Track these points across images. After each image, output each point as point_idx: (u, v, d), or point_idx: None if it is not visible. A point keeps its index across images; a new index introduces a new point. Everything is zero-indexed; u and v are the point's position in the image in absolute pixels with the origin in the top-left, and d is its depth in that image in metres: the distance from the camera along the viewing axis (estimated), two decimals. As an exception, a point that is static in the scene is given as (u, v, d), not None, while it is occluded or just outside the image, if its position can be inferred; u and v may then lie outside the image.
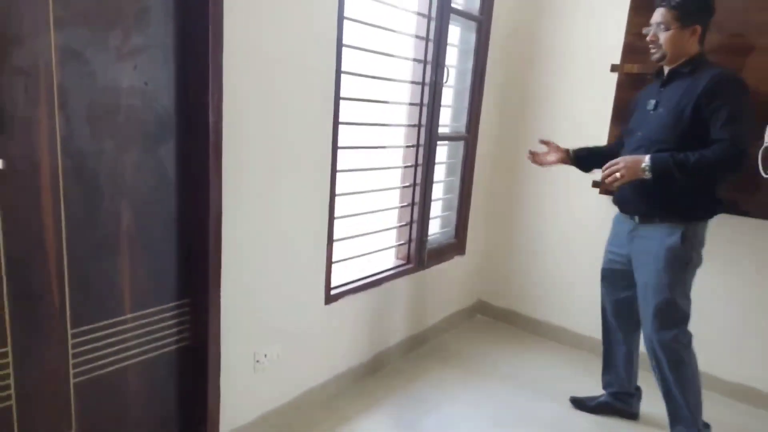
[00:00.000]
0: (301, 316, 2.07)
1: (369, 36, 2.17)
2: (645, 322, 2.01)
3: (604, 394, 2.34)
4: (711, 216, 1.96)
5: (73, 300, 1.43)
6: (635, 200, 1.99)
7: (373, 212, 2.45)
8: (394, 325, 2.66)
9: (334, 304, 2.21)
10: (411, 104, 2.49)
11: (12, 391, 1.35)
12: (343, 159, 2.14)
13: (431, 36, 2.41)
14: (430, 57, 2.43)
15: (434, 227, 3.01)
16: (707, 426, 2.08)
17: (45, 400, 1.43)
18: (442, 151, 2.89)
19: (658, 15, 1.89)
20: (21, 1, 1.22)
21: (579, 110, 2.81)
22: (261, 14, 1.65)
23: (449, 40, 2.66)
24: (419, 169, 2.57)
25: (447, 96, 2.81)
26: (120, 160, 1.47)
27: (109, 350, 1.55)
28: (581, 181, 2.72)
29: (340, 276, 2.30)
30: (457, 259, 3.04)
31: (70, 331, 1.44)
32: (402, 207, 2.61)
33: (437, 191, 2.92)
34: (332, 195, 2.08)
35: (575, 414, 2.34)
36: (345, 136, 2.13)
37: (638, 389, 2.32)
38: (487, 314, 3.34)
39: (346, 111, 2.11)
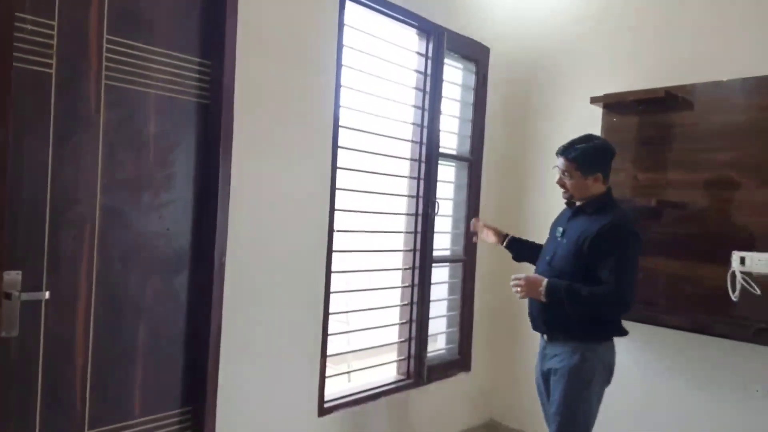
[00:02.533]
0: (293, 427, 2.28)
1: (362, 177, 2.58)
2: None
3: None
4: (611, 338, 2.10)
5: (92, 403, 1.75)
6: (541, 319, 2.14)
7: (373, 328, 2.72)
8: (394, 440, 2.79)
9: (327, 417, 2.41)
10: (407, 232, 2.84)
11: None
12: (339, 281, 2.47)
13: (422, 175, 2.81)
14: (421, 193, 2.81)
15: (440, 343, 3.21)
16: None
17: None
18: (443, 272, 3.17)
19: (560, 163, 2.11)
20: (79, 174, 1.69)
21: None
22: (263, 170, 2.10)
23: (444, 176, 3.07)
24: (415, 289, 2.85)
25: (445, 223, 3.15)
26: (142, 288, 1.86)
27: (119, 450, 1.83)
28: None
29: (337, 387, 2.52)
30: (462, 375, 3.18)
31: None
32: (401, 324, 2.86)
33: (441, 309, 3.16)
34: (325, 314, 2.37)
35: None
36: (340, 260, 2.48)
37: None
38: (499, 435, 3.37)
39: (342, 239, 2.48)
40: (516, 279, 2.09)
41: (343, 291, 2.64)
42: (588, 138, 2.13)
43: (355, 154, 2.50)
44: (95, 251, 1.74)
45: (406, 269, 2.86)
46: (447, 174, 3.14)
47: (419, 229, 2.83)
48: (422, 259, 2.85)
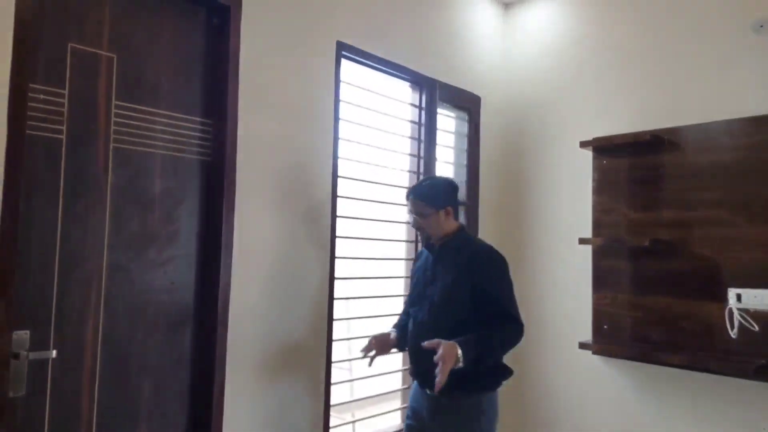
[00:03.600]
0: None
1: (362, 225, 2.64)
2: None
3: None
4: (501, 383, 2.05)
5: (97, 462, 1.75)
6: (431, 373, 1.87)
7: (376, 375, 2.72)
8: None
9: (332, 469, 2.39)
10: (407, 277, 2.87)
11: None
12: (341, 329, 2.49)
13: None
14: (420, 239, 2.86)
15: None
16: None
17: None
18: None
19: (411, 205, 2.09)
20: (86, 233, 1.75)
21: (565, 277, 3.08)
22: (263, 221, 2.15)
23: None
24: (417, 335, 2.86)
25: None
26: (147, 344, 1.89)
27: None
28: (573, 344, 2.90)
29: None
30: (467, 420, 3.15)
31: (91, 492, 1.75)
32: (404, 370, 2.86)
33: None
34: (328, 363, 2.38)
35: None
36: (343, 307, 2.51)
37: None
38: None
39: (344, 286, 2.52)
40: (440, 360, 1.78)
41: (345, 338, 2.66)
42: (432, 177, 2.34)
43: (355, 202, 2.57)
44: (101, 308, 1.77)
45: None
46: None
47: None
48: (423, 304, 2.87)
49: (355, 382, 3.07)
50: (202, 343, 2.01)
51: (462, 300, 1.95)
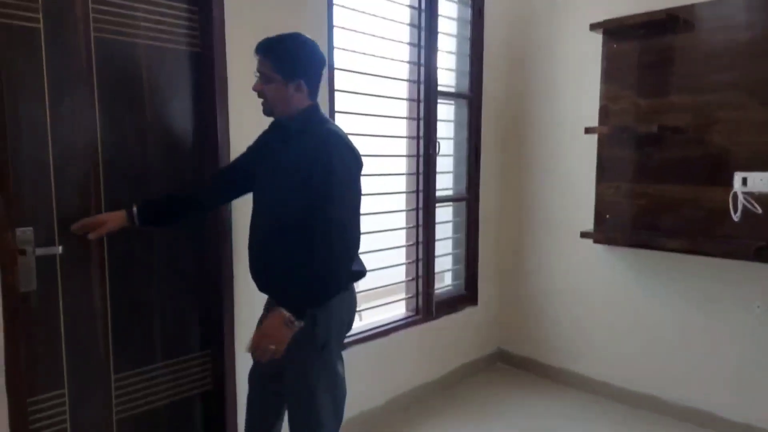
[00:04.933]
0: (310, 364, 2.38)
1: (363, 122, 2.57)
2: None
3: None
4: (346, 288, 1.69)
5: (115, 350, 1.84)
6: (261, 279, 1.70)
7: (382, 268, 2.78)
8: (408, 372, 2.91)
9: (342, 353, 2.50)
10: (409, 174, 2.85)
11: (67, 424, 1.76)
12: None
13: (421, 115, 2.79)
14: (422, 133, 2.80)
15: (446, 280, 3.28)
16: None
17: None
18: (447, 211, 3.21)
19: (259, 63, 1.63)
20: (77, 131, 1.70)
21: (568, 168, 3.05)
22: (261, 117, 2.09)
23: (445, 115, 3.05)
24: (420, 229, 2.89)
25: (447, 163, 3.15)
26: (153, 239, 1.90)
27: (145, 392, 1.93)
28: (574, 233, 2.94)
29: (348, 328, 2.61)
30: (469, 309, 3.27)
31: (113, 376, 1.85)
32: (408, 263, 2.93)
33: (447, 247, 3.22)
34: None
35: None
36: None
37: None
38: (507, 362, 3.49)
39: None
40: (255, 346, 1.53)
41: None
42: (295, 36, 1.64)
43: (353, 97, 2.48)
44: (102, 203, 1.77)
45: (410, 210, 2.89)
46: (446, 113, 3.12)
47: (421, 170, 2.84)
48: (426, 199, 2.87)
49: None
50: (209, 233, 2.03)
51: (299, 200, 1.57)
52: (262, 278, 1.71)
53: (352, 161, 1.63)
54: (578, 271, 3.07)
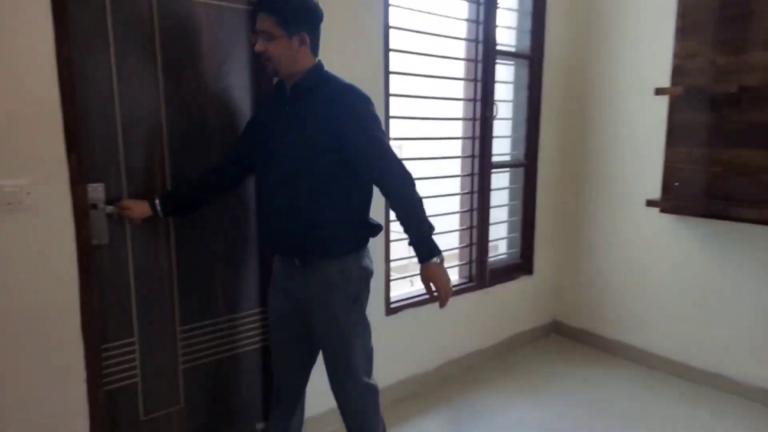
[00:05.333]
0: (363, 325, 2.41)
1: (418, 83, 2.51)
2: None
3: None
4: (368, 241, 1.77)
5: (181, 303, 1.92)
6: (288, 238, 1.70)
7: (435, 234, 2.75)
8: (459, 339, 2.90)
9: (394, 316, 2.53)
10: (464, 138, 2.78)
11: (138, 371, 1.86)
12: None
13: (479, 77, 2.70)
14: (479, 95, 2.72)
15: (501, 249, 3.23)
16: None
17: (161, 379, 1.92)
18: (504, 178, 3.13)
19: (259, 23, 1.60)
20: (142, 90, 1.75)
21: (635, 133, 2.89)
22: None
23: (504, 77, 2.94)
24: (475, 195, 2.83)
25: (505, 127, 3.06)
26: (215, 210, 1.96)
27: (208, 344, 2.02)
28: (639, 201, 2.80)
29: (402, 290, 2.62)
30: (524, 278, 3.21)
31: (179, 328, 1.94)
32: (462, 230, 2.89)
33: (503, 214, 3.15)
34: (386, 221, 2.42)
35: None
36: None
37: None
38: (562, 334, 3.43)
39: (403, 146, 2.47)
40: (442, 298, 1.66)
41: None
42: None
43: (407, 57, 2.42)
44: (167, 163, 1.83)
45: (465, 176, 2.84)
46: (506, 74, 3.01)
47: (477, 134, 2.77)
48: (482, 165, 2.81)
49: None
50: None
51: (327, 156, 1.60)
52: (298, 238, 1.67)
53: (374, 110, 1.66)
54: (642, 241, 2.93)
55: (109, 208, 1.70)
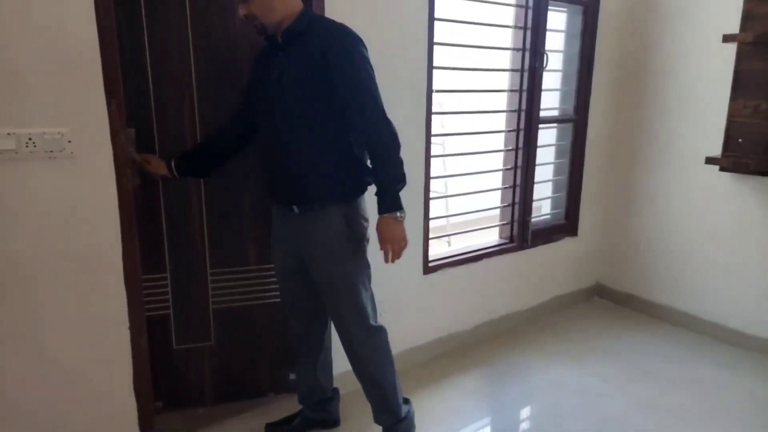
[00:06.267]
0: (400, 284, 2.36)
1: (464, 31, 2.37)
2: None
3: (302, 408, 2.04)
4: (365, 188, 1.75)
5: (211, 250, 1.96)
6: (288, 187, 1.68)
7: (474, 192, 2.66)
8: (498, 299, 2.83)
9: (431, 275, 2.47)
10: (511, 90, 2.63)
11: (170, 303, 1.94)
12: (442, 144, 2.39)
13: (529, 24, 2.53)
14: (528, 45, 2.55)
15: (545, 208, 3.10)
16: (407, 401, 1.94)
17: (192, 314, 1.98)
18: (551, 134, 2.97)
19: None
20: (171, 36, 1.70)
21: (695, 84, 2.68)
22: (358, 18, 1.97)
23: (555, 25, 2.75)
24: (520, 152, 2.70)
25: (554, 80, 2.88)
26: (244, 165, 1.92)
27: (239, 290, 2.04)
28: (697, 159, 2.62)
29: (440, 249, 2.56)
30: (568, 240, 3.09)
31: (209, 270, 1.97)
32: (504, 188, 2.77)
33: (547, 173, 3.01)
34: (427, 177, 2.33)
35: (667, 397, 2.30)
36: (443, 123, 2.38)
37: (335, 391, 2.07)
38: (606, 297, 3.31)
39: (444, 101, 2.36)
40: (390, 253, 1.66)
41: (442, 155, 2.57)
42: None
43: (453, 2, 2.28)
44: (196, 107, 1.80)
45: (510, 131, 2.70)
46: (558, 22, 2.81)
47: (525, 86, 2.62)
48: (528, 120, 2.66)
49: (452, 202, 3.06)
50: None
51: (322, 97, 1.59)
52: (300, 182, 1.65)
53: (363, 48, 1.61)
54: (699, 201, 2.75)
55: (137, 155, 1.70)
